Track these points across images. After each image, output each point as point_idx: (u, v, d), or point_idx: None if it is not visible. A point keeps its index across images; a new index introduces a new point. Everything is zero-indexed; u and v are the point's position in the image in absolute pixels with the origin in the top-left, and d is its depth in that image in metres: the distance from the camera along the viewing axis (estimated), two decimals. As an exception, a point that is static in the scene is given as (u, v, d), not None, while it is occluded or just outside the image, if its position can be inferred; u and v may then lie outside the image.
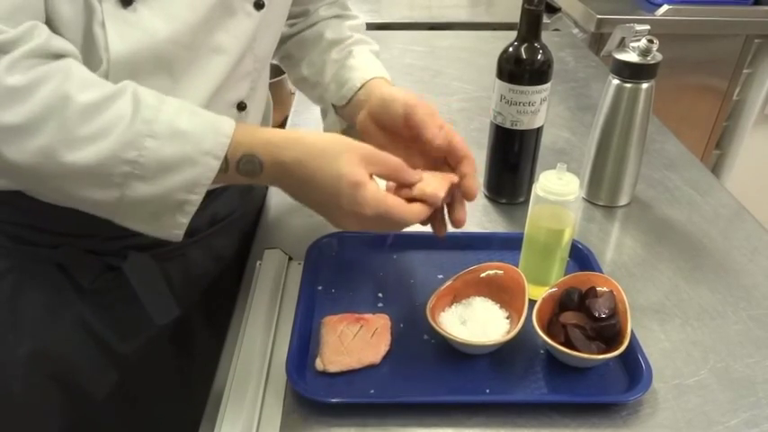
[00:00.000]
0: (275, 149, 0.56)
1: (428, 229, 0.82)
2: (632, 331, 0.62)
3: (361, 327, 0.64)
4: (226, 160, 0.54)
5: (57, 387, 0.72)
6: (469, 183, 0.64)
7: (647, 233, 0.85)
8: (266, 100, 0.80)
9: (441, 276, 0.72)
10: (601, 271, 0.72)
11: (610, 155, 0.87)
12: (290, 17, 0.77)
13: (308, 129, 1.07)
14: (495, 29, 1.70)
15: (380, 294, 0.71)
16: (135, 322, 0.72)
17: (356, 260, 0.76)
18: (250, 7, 0.62)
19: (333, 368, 0.60)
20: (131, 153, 0.50)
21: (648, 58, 0.81)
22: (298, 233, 0.80)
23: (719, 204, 0.91)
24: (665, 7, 1.71)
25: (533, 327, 0.61)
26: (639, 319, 0.69)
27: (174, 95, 0.58)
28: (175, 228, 0.55)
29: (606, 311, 0.62)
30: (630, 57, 0.82)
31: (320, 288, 0.72)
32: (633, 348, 0.62)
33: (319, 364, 0.61)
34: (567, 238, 0.68)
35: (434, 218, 0.65)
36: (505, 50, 0.81)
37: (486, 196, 0.92)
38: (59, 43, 0.51)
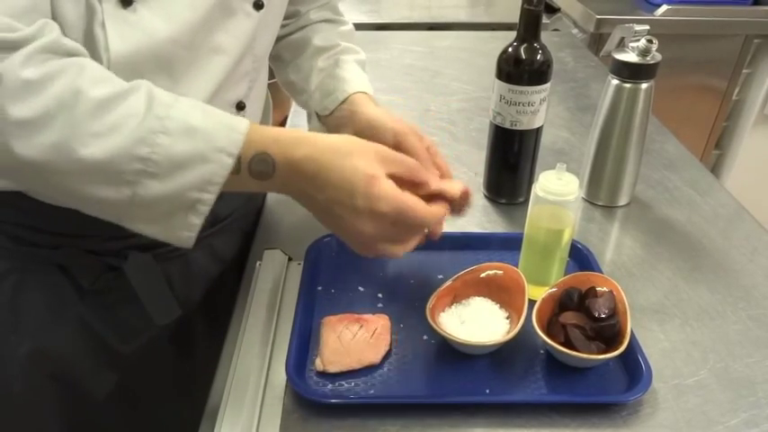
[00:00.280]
0: (286, 147, 0.55)
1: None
2: (632, 331, 0.62)
3: (361, 327, 0.64)
4: (238, 161, 0.53)
5: (57, 387, 0.72)
6: (462, 199, 0.65)
7: (646, 233, 0.85)
8: (265, 100, 0.81)
9: (440, 276, 0.72)
10: (600, 271, 0.72)
11: (609, 155, 0.87)
12: None
13: (305, 130, 1.07)
14: (494, 29, 1.71)
15: (380, 294, 0.71)
16: (135, 322, 0.72)
17: (356, 260, 0.75)
18: (249, 8, 0.62)
19: (332, 368, 0.60)
20: (144, 149, 0.49)
21: (648, 59, 0.82)
22: (297, 233, 0.80)
23: (719, 204, 0.91)
24: (665, 7, 1.71)
25: (533, 327, 0.61)
26: (639, 320, 0.69)
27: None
28: (186, 229, 0.53)
29: (606, 311, 0.62)
30: (630, 57, 0.82)
31: (320, 288, 0.72)
32: (633, 348, 0.62)
33: (319, 365, 0.61)
34: (566, 238, 0.68)
35: None
36: (505, 51, 0.81)
37: (485, 196, 0.92)
38: (70, 42, 0.51)
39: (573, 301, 0.64)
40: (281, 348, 0.63)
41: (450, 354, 0.63)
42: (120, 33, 0.53)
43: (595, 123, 0.88)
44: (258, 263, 0.76)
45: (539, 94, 0.80)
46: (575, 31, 1.84)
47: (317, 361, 0.61)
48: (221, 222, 0.77)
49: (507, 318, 0.65)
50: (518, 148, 0.86)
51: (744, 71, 1.83)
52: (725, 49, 1.79)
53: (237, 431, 0.55)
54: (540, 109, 0.82)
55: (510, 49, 0.80)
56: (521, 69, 0.79)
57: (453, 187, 0.62)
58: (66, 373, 0.72)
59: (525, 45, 0.79)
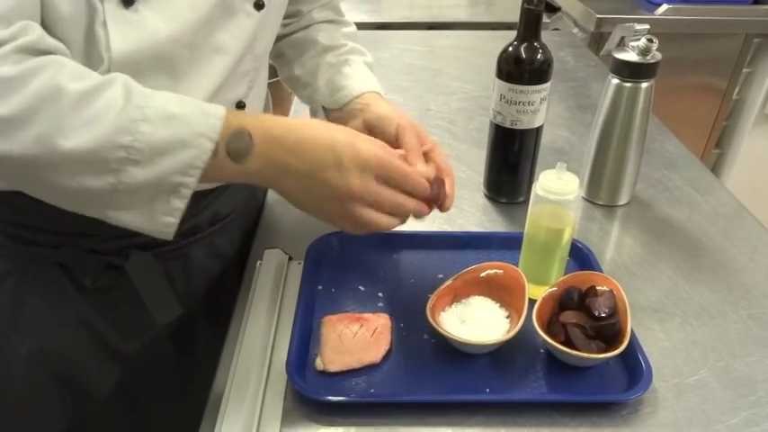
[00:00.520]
0: (263, 122, 0.56)
1: (427, 228, 0.82)
2: (632, 330, 0.62)
3: (362, 326, 0.64)
4: (217, 145, 0.53)
5: (58, 386, 0.72)
6: (447, 201, 0.67)
7: (646, 232, 0.85)
8: (265, 99, 0.81)
9: (441, 276, 0.72)
10: (601, 270, 0.72)
11: (609, 154, 0.87)
12: (283, 16, 0.78)
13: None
14: (494, 28, 1.71)
15: (380, 294, 0.71)
16: (137, 321, 0.72)
17: (356, 259, 0.76)
18: (250, 7, 0.63)
19: (333, 368, 0.61)
20: (126, 138, 0.49)
21: (648, 58, 0.81)
22: (298, 233, 0.80)
23: (719, 203, 0.91)
24: (665, 6, 1.71)
25: (533, 326, 0.61)
26: (639, 319, 0.69)
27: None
28: (169, 214, 0.54)
29: (606, 311, 0.62)
30: (630, 56, 0.82)
31: (320, 287, 0.72)
32: (633, 347, 0.62)
33: (319, 364, 0.61)
34: (566, 237, 0.68)
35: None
36: (505, 50, 0.81)
37: (485, 196, 0.92)
38: (52, 42, 0.51)
39: (573, 301, 0.64)
40: (281, 347, 0.63)
41: (451, 353, 0.63)
42: (122, 33, 0.53)
43: (596, 123, 0.88)
44: (259, 262, 0.76)
45: (539, 93, 0.80)
46: (575, 30, 1.84)
47: (318, 360, 0.61)
48: (222, 221, 0.77)
49: (507, 317, 0.65)
50: (518, 148, 0.86)
51: (744, 70, 1.83)
52: (725, 48, 1.79)
53: (238, 429, 0.55)
54: (541, 108, 0.82)
55: (510, 49, 0.80)
56: (521, 69, 0.79)
57: (429, 172, 0.64)
58: (67, 373, 0.72)
59: (525, 44, 0.79)
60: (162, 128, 0.51)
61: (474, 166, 0.95)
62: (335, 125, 0.60)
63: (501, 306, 0.67)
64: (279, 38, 0.83)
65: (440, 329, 0.62)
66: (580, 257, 0.76)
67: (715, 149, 1.98)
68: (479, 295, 0.68)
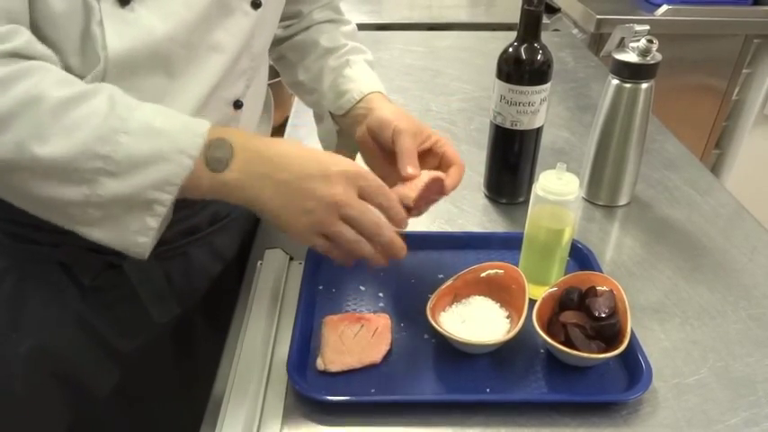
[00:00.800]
0: (243, 135, 0.56)
1: (428, 228, 0.82)
2: (632, 330, 0.62)
3: (362, 326, 0.64)
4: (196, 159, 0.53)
5: (58, 385, 0.73)
6: (449, 182, 0.67)
7: (646, 233, 0.85)
8: (267, 99, 0.81)
9: (441, 276, 0.72)
10: (601, 270, 0.72)
11: (609, 155, 0.87)
12: (283, 18, 0.78)
13: (307, 130, 1.07)
14: (494, 29, 1.71)
15: (381, 294, 0.71)
16: (136, 320, 0.72)
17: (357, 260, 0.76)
18: (247, 6, 0.63)
19: (334, 368, 0.61)
20: (104, 148, 0.49)
21: (648, 59, 0.82)
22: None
23: (719, 204, 0.91)
24: (665, 7, 1.71)
25: (533, 326, 0.61)
26: (639, 319, 0.69)
27: (171, 94, 0.58)
28: (142, 233, 0.53)
29: (606, 311, 0.62)
30: (630, 57, 0.82)
31: (321, 288, 0.72)
32: (633, 347, 0.62)
33: (320, 364, 0.61)
34: (566, 237, 0.68)
35: None
36: (505, 51, 0.81)
37: (486, 196, 0.92)
38: (39, 48, 0.51)
39: (573, 301, 0.64)
40: (282, 347, 0.64)
41: (451, 353, 0.63)
42: (118, 32, 0.53)
43: (595, 123, 0.88)
44: (259, 262, 0.76)
45: (539, 94, 0.81)
46: (575, 31, 1.84)
47: (319, 360, 0.61)
48: (221, 221, 0.77)
49: (508, 317, 0.65)
50: (518, 148, 0.86)
51: (744, 71, 1.83)
52: (725, 48, 1.79)
53: (239, 429, 0.55)
54: (541, 109, 0.82)
55: (510, 50, 0.80)
56: (521, 69, 0.80)
57: (408, 194, 0.63)
58: (67, 372, 0.72)
59: (526, 45, 0.79)
60: (142, 141, 0.50)
61: (474, 167, 0.95)
62: (314, 147, 0.60)
63: (501, 306, 0.67)
64: (280, 40, 0.83)
65: (440, 329, 0.62)
66: (580, 258, 0.76)
67: (715, 150, 1.98)
68: (480, 295, 0.68)
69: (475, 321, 0.64)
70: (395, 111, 0.71)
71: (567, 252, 0.71)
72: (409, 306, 0.69)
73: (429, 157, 0.70)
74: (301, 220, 0.57)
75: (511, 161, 0.87)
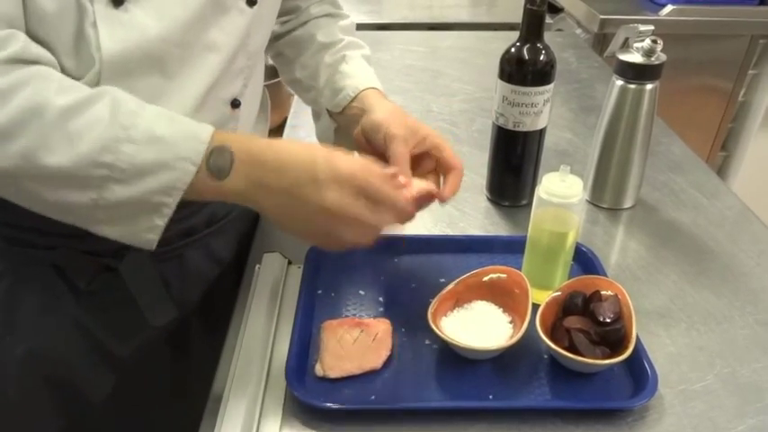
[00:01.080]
0: (243, 140, 0.57)
1: (429, 231, 0.82)
2: (637, 336, 0.62)
3: (362, 331, 0.64)
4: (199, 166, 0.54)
5: (52, 390, 0.73)
6: (447, 189, 0.67)
7: (652, 236, 0.85)
8: (265, 100, 0.81)
9: (443, 280, 0.72)
10: (605, 274, 0.72)
11: (614, 157, 0.87)
12: (280, 14, 0.78)
13: (306, 131, 1.07)
14: (496, 29, 1.71)
15: (381, 298, 0.71)
16: (132, 324, 0.73)
17: (356, 264, 0.76)
18: (243, 4, 0.63)
19: (333, 374, 0.60)
20: (108, 157, 0.51)
21: (652, 59, 0.82)
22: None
23: (725, 207, 0.92)
24: (670, 7, 1.71)
25: (537, 331, 0.61)
26: (645, 324, 0.69)
27: (167, 94, 0.58)
28: (150, 231, 0.55)
29: (611, 316, 0.62)
30: (634, 57, 0.82)
31: (320, 292, 0.72)
32: (638, 353, 0.62)
33: (319, 370, 0.61)
34: (570, 241, 0.68)
35: None
36: (507, 51, 0.81)
37: (488, 199, 0.92)
38: (37, 51, 0.52)
39: (577, 306, 0.64)
40: (280, 353, 0.63)
41: (453, 359, 0.63)
42: (112, 33, 0.54)
43: (599, 125, 0.88)
44: (257, 266, 0.76)
45: (542, 94, 0.81)
46: (578, 31, 1.85)
47: (318, 366, 0.61)
48: (218, 222, 0.77)
49: (510, 322, 0.65)
50: (521, 150, 0.86)
51: (750, 72, 1.84)
52: (731, 49, 1.79)
53: (236, 437, 0.55)
54: (544, 110, 0.82)
55: (513, 50, 0.80)
56: (524, 70, 0.80)
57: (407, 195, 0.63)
58: (62, 376, 0.72)
59: (528, 45, 0.79)
60: (145, 149, 0.52)
61: (476, 169, 0.95)
62: (316, 145, 0.60)
63: (504, 311, 0.67)
64: (278, 36, 0.83)
65: (441, 335, 0.61)
66: (584, 261, 0.76)
67: (721, 152, 1.98)
68: (482, 300, 0.68)
69: (477, 326, 0.64)
70: (389, 111, 0.71)
71: (571, 256, 0.71)
72: (410, 311, 0.68)
73: (426, 159, 0.70)
74: (300, 227, 0.59)
75: (513, 163, 0.87)
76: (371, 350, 0.63)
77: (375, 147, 0.70)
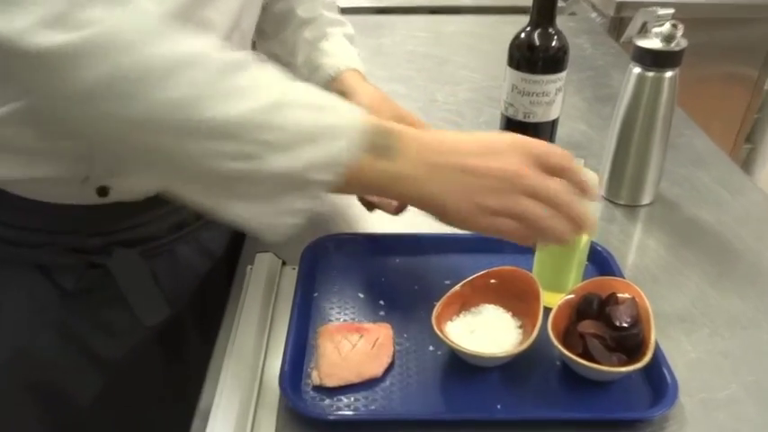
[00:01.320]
0: (403, 126, 0.56)
1: (432, 230, 0.82)
2: (656, 341, 0.62)
3: (361, 337, 0.64)
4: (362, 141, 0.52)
5: (39, 394, 0.73)
6: None
7: (671, 235, 0.85)
8: None
9: (448, 282, 0.72)
10: (622, 276, 0.72)
11: (631, 150, 0.87)
12: None
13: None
14: (505, 13, 1.71)
15: (382, 302, 0.71)
16: (122, 324, 0.73)
17: (355, 264, 0.76)
18: None
19: (330, 382, 0.60)
20: (277, 117, 0.50)
21: (672, 45, 0.82)
22: (291, 235, 0.80)
23: (751, 203, 0.91)
24: (691, -11, 1.71)
25: (549, 337, 0.61)
26: (664, 329, 0.69)
27: None
28: (291, 215, 0.53)
29: (628, 320, 0.62)
30: (653, 43, 0.82)
31: (316, 295, 0.72)
32: (657, 360, 0.61)
33: (315, 378, 0.61)
34: (584, 240, 0.68)
35: None
36: (517, 36, 0.81)
37: (496, 195, 0.92)
38: None
39: (592, 309, 0.64)
40: (274, 360, 0.63)
41: (459, 366, 0.63)
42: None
43: (616, 115, 0.88)
44: (249, 267, 0.76)
45: (554, 83, 0.81)
46: (593, 15, 1.85)
47: (314, 374, 0.61)
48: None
49: (520, 327, 0.65)
50: (532, 143, 0.86)
51: (776, 58, 1.84)
52: (756, 34, 1.79)
53: (227, 450, 0.55)
54: (556, 99, 0.82)
55: (523, 35, 0.80)
56: (535, 57, 0.80)
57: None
58: (47, 380, 0.73)
59: (539, 30, 0.79)
60: (310, 113, 0.51)
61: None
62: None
63: (513, 315, 0.67)
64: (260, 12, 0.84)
65: (446, 340, 0.61)
66: (599, 262, 0.76)
67: (746, 144, 1.98)
68: (490, 303, 0.68)
69: (484, 332, 0.64)
70: (373, 97, 0.71)
71: (585, 256, 0.71)
72: (413, 315, 0.68)
73: None
74: (481, 206, 0.56)
75: (523, 157, 0.87)
76: (371, 357, 0.63)
77: None
